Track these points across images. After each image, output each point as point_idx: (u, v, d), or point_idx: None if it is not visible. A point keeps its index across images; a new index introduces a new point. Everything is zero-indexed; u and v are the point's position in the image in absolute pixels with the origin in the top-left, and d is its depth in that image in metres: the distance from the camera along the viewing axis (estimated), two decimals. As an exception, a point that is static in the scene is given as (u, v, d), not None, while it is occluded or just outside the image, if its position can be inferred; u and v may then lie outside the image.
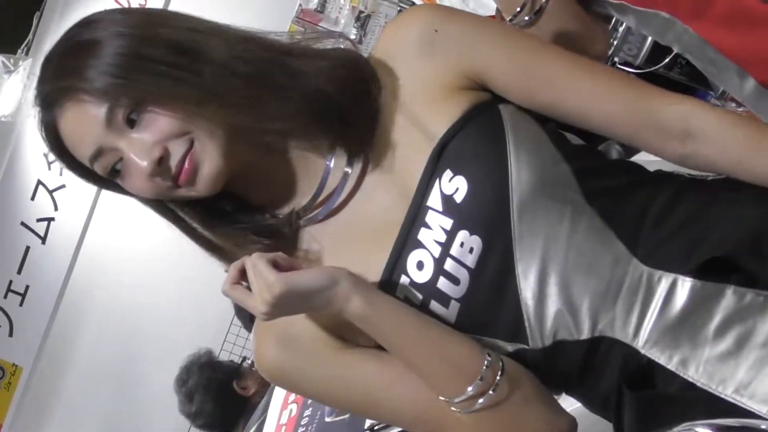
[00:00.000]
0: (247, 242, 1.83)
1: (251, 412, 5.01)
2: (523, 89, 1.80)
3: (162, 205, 1.84)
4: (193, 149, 1.72)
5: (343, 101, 1.78)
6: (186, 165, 1.72)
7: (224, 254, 1.86)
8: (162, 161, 1.72)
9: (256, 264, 1.69)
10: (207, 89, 1.71)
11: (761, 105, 2.15)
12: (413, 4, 5.24)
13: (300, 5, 6.53)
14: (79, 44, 1.75)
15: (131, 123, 1.72)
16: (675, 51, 2.21)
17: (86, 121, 1.72)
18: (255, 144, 1.79)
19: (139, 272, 6.55)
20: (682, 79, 5.24)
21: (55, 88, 1.74)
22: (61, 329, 7.48)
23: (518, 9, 2.22)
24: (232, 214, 1.87)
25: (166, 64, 1.71)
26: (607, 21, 2.37)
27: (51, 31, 7.06)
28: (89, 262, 7.30)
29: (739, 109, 5.14)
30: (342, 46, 1.92)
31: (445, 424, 1.77)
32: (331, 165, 1.81)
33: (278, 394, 4.13)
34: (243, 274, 1.72)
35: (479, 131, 1.77)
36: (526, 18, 2.23)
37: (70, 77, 1.72)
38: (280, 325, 1.82)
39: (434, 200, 1.76)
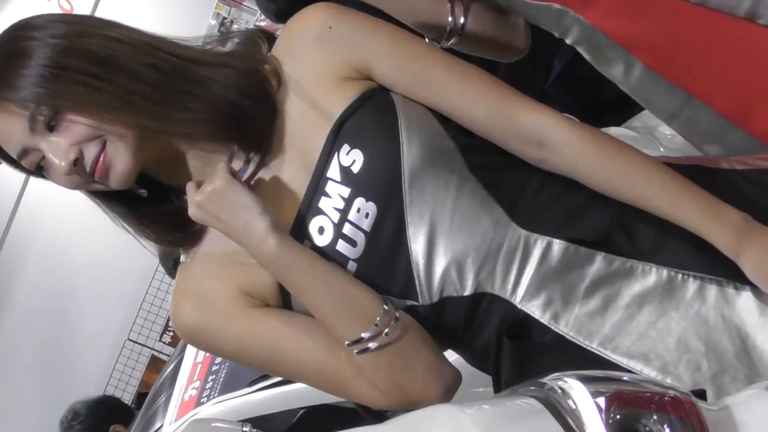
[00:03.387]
0: (158, 235, 1.90)
1: None
2: (403, 86, 1.82)
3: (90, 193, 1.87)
4: (105, 150, 1.73)
5: (244, 107, 1.79)
6: (99, 165, 1.73)
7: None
8: (78, 162, 1.73)
9: (219, 165, 1.75)
10: (118, 97, 1.72)
11: (647, 91, 2.14)
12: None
13: (227, -14, 6.50)
14: (7, 53, 1.75)
15: (51, 128, 1.73)
16: (567, 41, 2.19)
17: (11, 125, 1.73)
18: (162, 143, 1.79)
19: (74, 221, 6.48)
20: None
21: None
22: (1, 272, 7.43)
23: (444, 38, 2.23)
24: (147, 199, 1.88)
25: (83, 73, 1.72)
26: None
27: (-1, 0, 6.97)
28: (28, 211, 7.26)
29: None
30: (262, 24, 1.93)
31: (344, 374, 1.78)
32: (234, 153, 1.82)
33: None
34: None
35: (373, 111, 1.79)
36: (451, 41, 2.24)
37: None
38: (196, 286, 1.85)
39: (333, 171, 1.77)
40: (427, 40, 2.29)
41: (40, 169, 1.78)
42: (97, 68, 1.72)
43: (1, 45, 1.78)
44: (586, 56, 2.21)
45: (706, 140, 2.14)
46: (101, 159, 1.73)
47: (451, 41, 2.21)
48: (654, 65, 2.08)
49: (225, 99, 1.78)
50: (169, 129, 1.77)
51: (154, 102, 1.74)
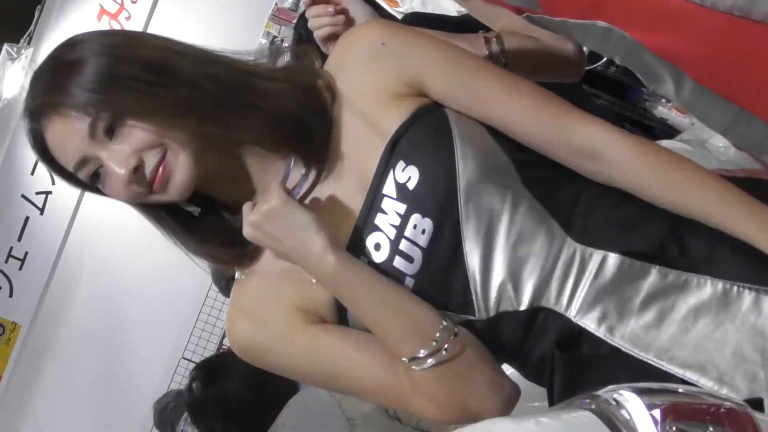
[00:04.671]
0: (211, 250, 1.90)
1: None
2: (456, 101, 1.82)
3: (141, 206, 1.86)
4: (165, 159, 1.74)
5: (304, 118, 1.80)
6: (159, 173, 1.74)
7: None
8: (137, 170, 1.74)
9: (272, 184, 1.76)
10: (179, 104, 1.74)
11: (700, 105, 2.12)
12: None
13: (276, 4, 6.52)
14: (64, 63, 1.77)
15: (110, 135, 1.73)
16: (616, 60, 2.17)
17: (70, 133, 1.74)
18: (222, 153, 1.80)
19: (127, 241, 6.50)
20: (618, 76, 5.26)
21: (43, 103, 1.76)
22: (56, 291, 7.47)
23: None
24: (200, 217, 1.91)
25: (142, 81, 1.73)
26: None
27: (51, 23, 7.03)
28: (82, 231, 7.29)
29: (669, 104, 5.17)
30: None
31: (402, 389, 1.78)
32: (291, 166, 1.83)
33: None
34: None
35: (428, 127, 1.79)
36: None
37: (55, 93, 1.74)
38: (251, 303, 1.86)
39: (389, 188, 1.78)
40: None
41: (94, 181, 1.79)
42: (157, 76, 1.74)
43: (58, 56, 1.80)
44: (639, 75, 2.20)
45: (765, 150, 2.12)
46: (162, 167, 1.73)
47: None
48: (702, 79, 2.05)
49: (285, 110, 1.79)
50: (230, 135, 1.78)
51: (216, 109, 1.75)
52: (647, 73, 2.13)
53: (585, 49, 2.45)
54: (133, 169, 1.73)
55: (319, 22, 2.29)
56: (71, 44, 1.81)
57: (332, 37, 2.23)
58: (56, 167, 1.82)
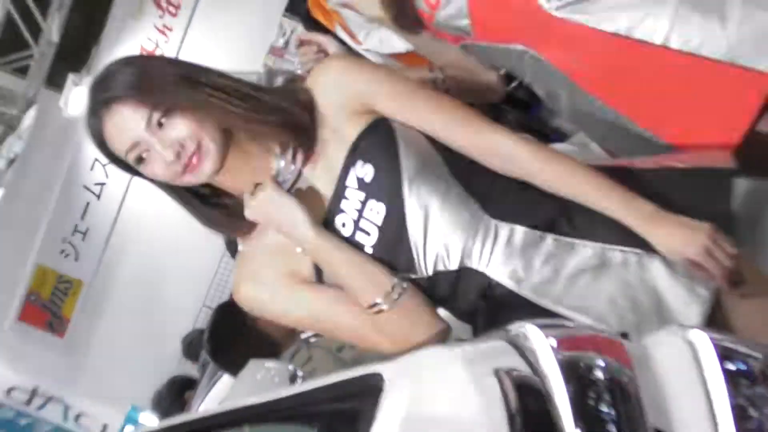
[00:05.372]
0: (219, 222, 1.90)
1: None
2: (399, 116, 1.81)
3: (170, 188, 1.84)
4: (201, 148, 1.72)
5: (301, 119, 1.80)
6: (194, 161, 1.73)
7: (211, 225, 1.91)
8: (179, 155, 1.72)
9: (266, 180, 1.79)
10: (218, 106, 1.73)
11: (585, 115, 2.12)
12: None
13: (271, 45, 6.65)
14: (120, 70, 1.75)
15: (160, 125, 1.71)
16: (525, 80, 2.18)
17: (129, 121, 1.72)
18: (238, 150, 1.79)
19: (162, 219, 6.49)
20: (525, 97, 5.25)
21: (107, 97, 1.73)
22: (109, 256, 7.50)
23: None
24: (208, 198, 1.88)
25: (186, 86, 1.73)
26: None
27: (105, 55, 7.00)
28: (129, 212, 7.34)
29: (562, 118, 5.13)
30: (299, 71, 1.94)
31: (365, 329, 1.81)
32: (282, 166, 1.82)
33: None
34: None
35: (380, 134, 1.80)
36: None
37: (117, 89, 1.72)
38: (252, 269, 1.88)
39: (351, 181, 1.79)
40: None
41: (138, 163, 1.76)
42: (196, 83, 1.74)
43: (114, 66, 1.78)
44: (539, 92, 2.20)
45: (634, 153, 2.11)
46: (196, 156, 1.72)
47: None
48: (591, 89, 2.07)
49: (287, 113, 1.79)
50: (253, 130, 1.78)
51: (243, 110, 1.75)
52: (548, 89, 2.13)
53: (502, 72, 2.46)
54: (176, 154, 1.71)
55: (306, 58, 2.44)
56: (121, 60, 1.81)
57: None
58: (109, 153, 1.79)
